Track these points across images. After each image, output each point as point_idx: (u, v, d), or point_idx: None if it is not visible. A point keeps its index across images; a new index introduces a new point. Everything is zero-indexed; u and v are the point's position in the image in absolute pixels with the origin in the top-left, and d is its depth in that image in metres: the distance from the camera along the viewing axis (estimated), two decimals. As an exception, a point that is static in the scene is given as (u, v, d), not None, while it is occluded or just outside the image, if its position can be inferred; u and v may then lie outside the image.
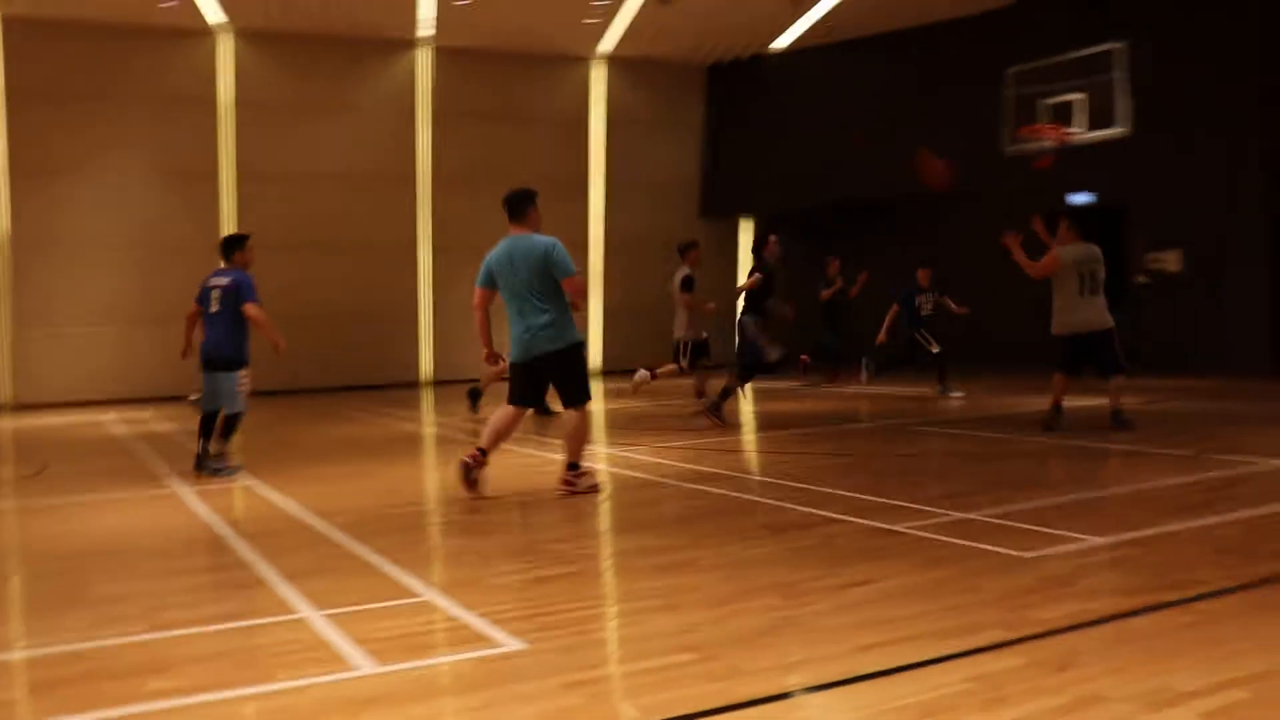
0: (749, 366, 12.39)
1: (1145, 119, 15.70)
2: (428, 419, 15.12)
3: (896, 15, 20.92)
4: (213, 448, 9.41)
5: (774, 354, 12.13)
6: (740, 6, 20.19)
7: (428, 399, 18.46)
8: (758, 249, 12.69)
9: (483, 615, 4.63)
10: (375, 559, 5.84)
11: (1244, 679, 3.57)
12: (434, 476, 9.65)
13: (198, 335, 9.65)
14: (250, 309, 9.31)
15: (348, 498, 8.12)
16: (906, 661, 3.83)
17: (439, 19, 20.19)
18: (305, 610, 4.82)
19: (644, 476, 8.60)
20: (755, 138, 23.78)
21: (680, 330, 13.15)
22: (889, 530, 6.10)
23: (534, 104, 22.94)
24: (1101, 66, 15.20)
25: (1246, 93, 16.65)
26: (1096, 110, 15.29)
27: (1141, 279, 18.14)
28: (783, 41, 22.74)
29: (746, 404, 14.33)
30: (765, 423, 12.88)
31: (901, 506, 6.82)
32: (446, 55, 21.97)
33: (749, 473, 8.89)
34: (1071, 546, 5.56)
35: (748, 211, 24.84)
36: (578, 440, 7.86)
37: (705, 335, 13.31)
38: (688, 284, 13.00)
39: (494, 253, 7.83)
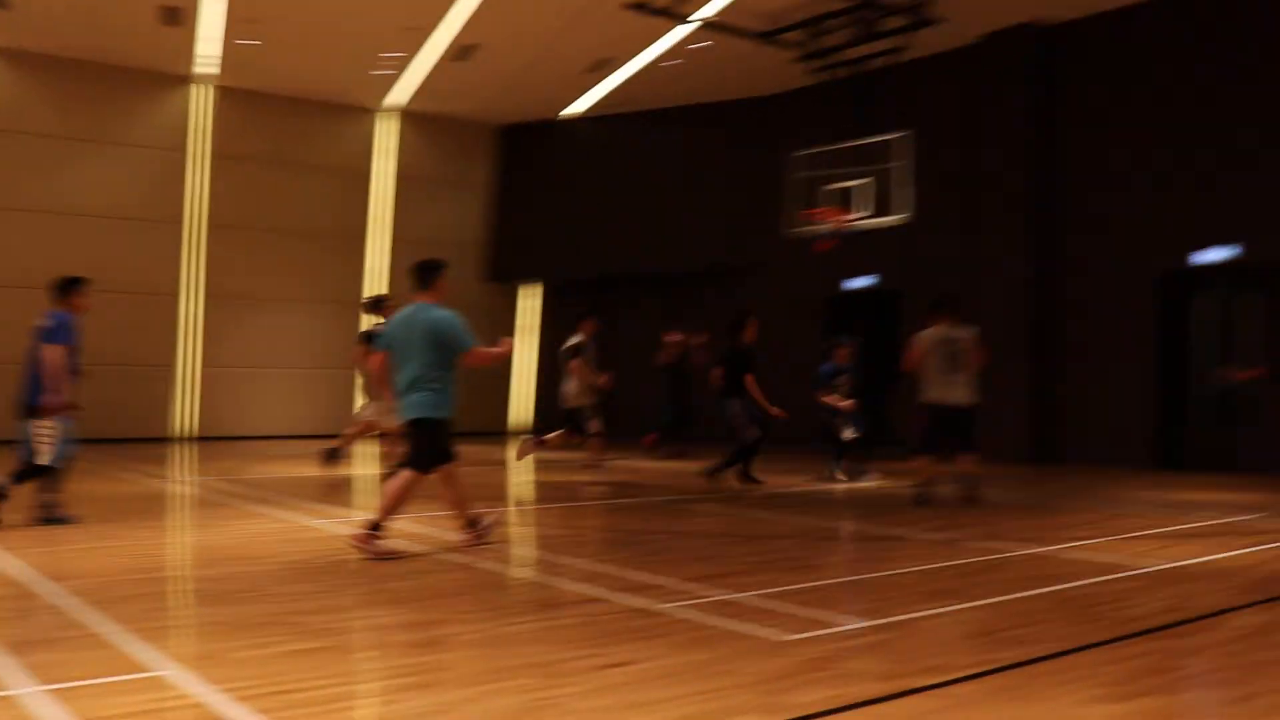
0: (743, 450, 12.88)
1: (923, 208, 16.46)
2: (183, 477, 14.47)
3: (687, 91, 21.49)
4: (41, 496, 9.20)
5: (754, 432, 12.73)
6: (536, 69, 20.36)
7: (185, 455, 17.69)
8: (735, 329, 13.11)
9: (224, 691, 4.38)
10: (110, 629, 5.47)
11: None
12: (183, 539, 9.20)
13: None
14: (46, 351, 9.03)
15: (84, 561, 7.65)
16: (660, 747, 3.81)
17: (223, 57, 19.69)
18: (23, 686, 4.47)
19: (404, 546, 8.40)
20: (542, 203, 23.94)
21: (573, 398, 13.71)
22: (653, 610, 6.08)
23: (317, 152, 22.56)
24: (882, 155, 15.87)
25: (1018, 188, 17.66)
26: (877, 197, 15.94)
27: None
28: (576, 108, 23.02)
29: (529, 475, 14.26)
30: (542, 495, 12.83)
31: (667, 585, 6.83)
32: (228, 95, 21.41)
33: (515, 546, 8.79)
34: (831, 630, 5.66)
35: (530, 278, 24.90)
36: (394, 501, 7.93)
37: (585, 404, 13.77)
38: (578, 351, 13.62)
39: (395, 317, 8.20)
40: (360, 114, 22.96)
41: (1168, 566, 7.72)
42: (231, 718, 4.09)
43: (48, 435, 9.08)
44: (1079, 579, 7.20)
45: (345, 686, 4.62)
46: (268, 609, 6.13)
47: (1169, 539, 9.13)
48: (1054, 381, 17.08)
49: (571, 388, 13.75)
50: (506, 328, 24.47)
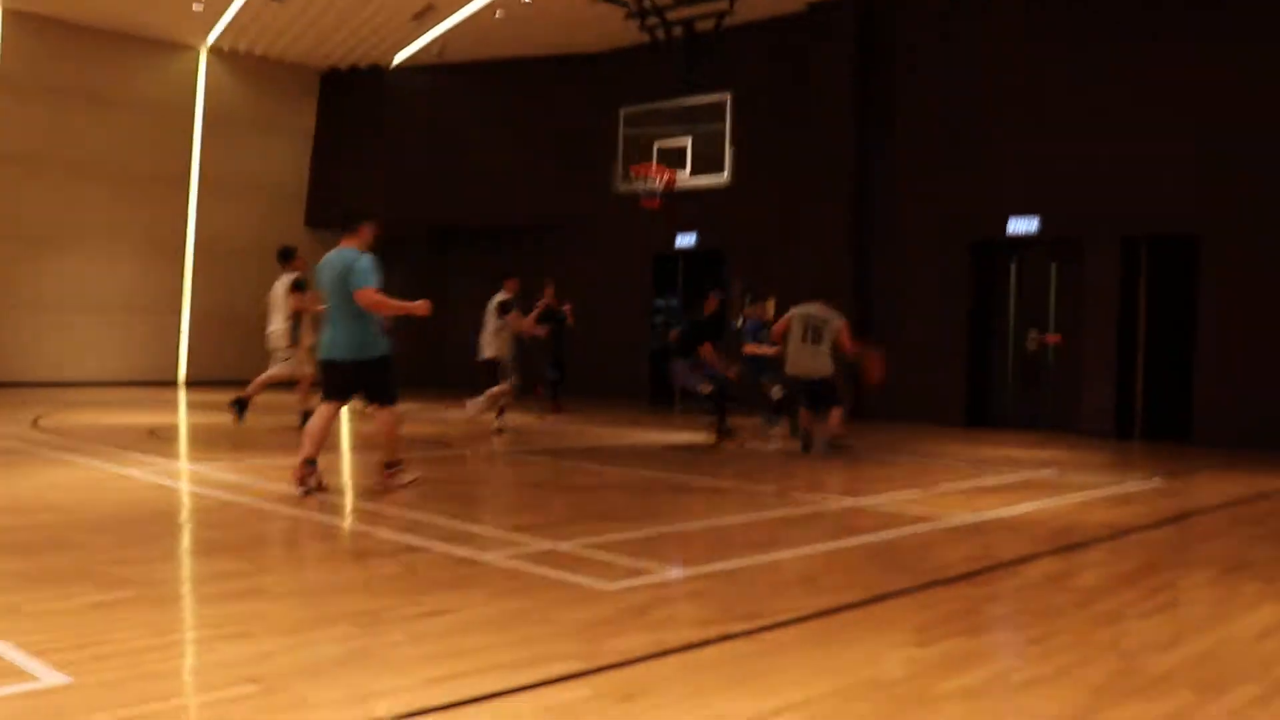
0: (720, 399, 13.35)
1: (746, 170, 16.69)
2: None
3: (513, 43, 21.28)
4: None
5: (707, 387, 13.28)
6: (359, 13, 19.89)
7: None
8: (700, 301, 13.81)
9: (20, 646, 4.20)
10: (-104, 580, 5.24)
11: (797, 704, 3.79)
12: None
13: None
14: None
15: (-128, 510, 7.27)
16: (477, 694, 3.80)
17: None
18: None
19: (223, 496, 8.20)
20: (368, 152, 23.47)
21: (491, 350, 14.03)
22: (473, 560, 6.08)
23: (125, 89, 21.53)
24: (709, 116, 16.02)
25: (838, 154, 18.01)
26: (703, 157, 16.10)
27: (739, 322, 19.20)
28: (402, 56, 22.58)
29: (354, 425, 14.05)
30: (364, 445, 12.65)
31: (490, 535, 6.84)
32: (18, 20, 20.17)
33: (336, 495, 8.67)
34: (651, 579, 5.75)
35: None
36: (391, 439, 8.58)
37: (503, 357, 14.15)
38: (507, 308, 14.08)
39: (322, 262, 8.56)
40: (178, 51, 22.06)
41: (972, 519, 8.06)
42: (30, 672, 3.93)
43: None
44: (890, 529, 7.47)
45: (157, 638, 4.47)
46: (73, 559, 5.90)
47: (974, 493, 9.53)
48: (871, 342, 17.58)
49: (493, 341, 14.04)
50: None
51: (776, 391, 13.44)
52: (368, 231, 8.50)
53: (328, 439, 8.75)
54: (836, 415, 12.26)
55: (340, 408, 8.67)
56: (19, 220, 20.29)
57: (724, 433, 13.30)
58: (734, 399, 13.83)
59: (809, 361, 12.18)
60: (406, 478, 8.64)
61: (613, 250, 21.12)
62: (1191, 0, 14.88)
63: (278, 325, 13.17)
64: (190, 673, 4.10)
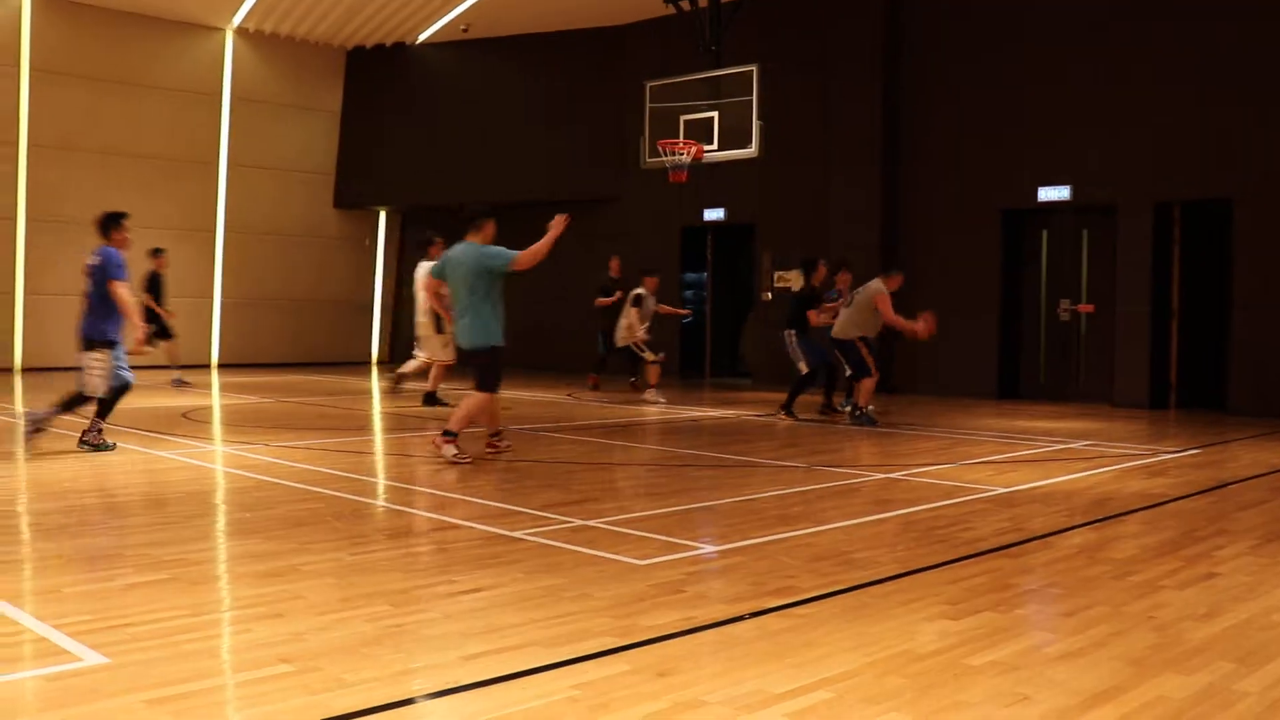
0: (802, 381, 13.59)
1: (774, 143, 16.60)
2: (16, 409, 13.93)
3: (538, 18, 21.22)
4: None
5: (805, 367, 13.43)
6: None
7: (17, 386, 17.02)
8: (808, 268, 13.82)
9: (59, 627, 4.25)
10: (-63, 564, 5.31)
11: (831, 679, 3.79)
12: (20, 473, 8.88)
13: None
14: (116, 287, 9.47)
15: (-88, 494, 7.37)
16: (513, 670, 3.82)
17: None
18: None
19: (256, 477, 8.26)
20: (393, 129, 23.49)
21: (626, 338, 15.73)
22: (507, 537, 6.11)
23: (155, 72, 21.60)
24: (735, 89, 15.92)
25: (867, 125, 17.89)
26: (730, 130, 16.00)
27: (767, 295, 19.17)
28: (427, 33, 22.56)
29: (385, 406, 14.12)
30: (395, 425, 12.70)
31: (523, 512, 6.86)
32: (50, 6, 20.24)
33: (369, 476, 8.72)
34: (684, 555, 5.76)
35: (384, 203, 24.47)
36: (466, 414, 9.16)
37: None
38: (638, 302, 15.71)
39: (448, 254, 9.37)
40: (205, 32, 22.11)
41: (1005, 491, 8.03)
42: (69, 652, 3.98)
43: (99, 366, 9.42)
44: (924, 503, 7.45)
45: (194, 618, 4.51)
46: (110, 542, 5.98)
47: (1007, 465, 9.48)
48: (901, 313, 17.48)
49: (624, 331, 15.81)
50: (362, 253, 24.21)
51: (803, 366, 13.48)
52: (490, 228, 9.35)
53: (484, 417, 9.57)
54: (867, 386, 12.51)
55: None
56: (54, 205, 20.43)
57: (791, 404, 13.42)
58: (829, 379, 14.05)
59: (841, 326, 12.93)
60: (448, 453, 8.98)
61: (641, 224, 21.07)
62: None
63: (422, 314, 13.90)
64: (226, 653, 4.13)
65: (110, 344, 9.50)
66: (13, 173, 20.18)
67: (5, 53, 19.96)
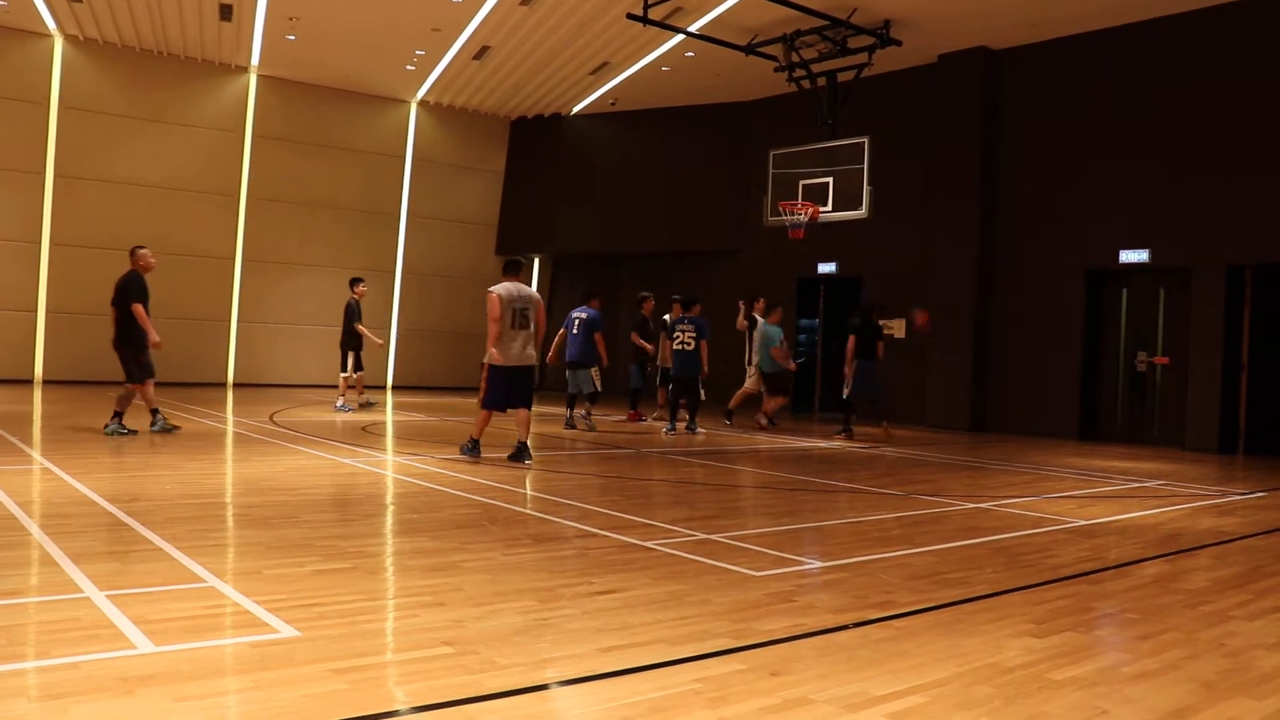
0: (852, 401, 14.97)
1: (881, 205, 16.46)
2: (229, 418, 14.44)
3: (677, 93, 21.42)
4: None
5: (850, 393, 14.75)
6: (544, 71, 20.27)
7: (229, 399, 17.66)
8: (868, 310, 14.88)
9: (260, 603, 4.40)
10: (164, 545, 5.50)
11: (925, 686, 3.70)
12: (229, 471, 9.20)
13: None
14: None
15: (144, 486, 7.66)
16: (642, 663, 3.82)
17: (263, 50, 19.58)
18: (89, 590, 4.48)
19: (424, 485, 8.42)
20: (550, 187, 23.87)
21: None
22: (639, 546, 6.12)
23: (350, 137, 22.45)
24: (850, 157, 15.86)
25: (967, 192, 17.61)
26: (843, 193, 15.94)
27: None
28: (580, 105, 22.90)
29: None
30: (543, 444, 12.84)
31: (653, 525, 6.87)
32: (269, 84, 21.25)
33: (520, 487, 8.81)
34: (794, 569, 5.69)
35: (537, 251, 24.86)
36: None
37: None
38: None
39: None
40: (392, 104, 22.81)
41: (1086, 523, 7.77)
42: (268, 624, 4.11)
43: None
44: (1011, 531, 7.25)
45: (368, 602, 4.61)
46: (302, 534, 6.14)
47: (1087, 500, 9.18)
48: (993, 359, 17.12)
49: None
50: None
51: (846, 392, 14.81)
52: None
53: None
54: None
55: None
56: (264, 248, 21.31)
57: (848, 425, 14.47)
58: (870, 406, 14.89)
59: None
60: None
61: (761, 275, 21.02)
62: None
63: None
64: (396, 634, 4.19)
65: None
66: (234, 221, 21.07)
67: (234, 122, 20.90)
